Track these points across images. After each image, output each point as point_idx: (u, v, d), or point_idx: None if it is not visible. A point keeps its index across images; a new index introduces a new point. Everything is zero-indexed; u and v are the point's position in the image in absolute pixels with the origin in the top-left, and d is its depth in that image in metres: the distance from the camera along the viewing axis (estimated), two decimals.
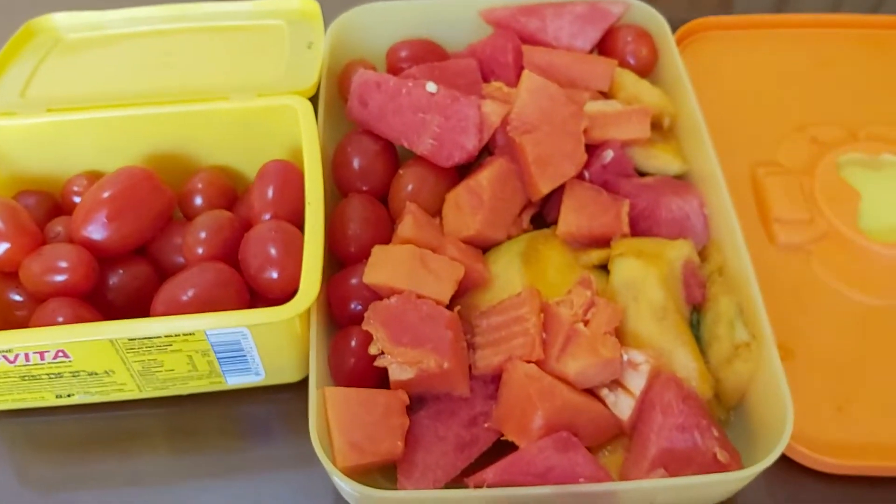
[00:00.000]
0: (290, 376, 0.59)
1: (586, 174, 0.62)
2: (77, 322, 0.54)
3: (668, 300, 0.55)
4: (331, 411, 0.51)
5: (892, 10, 0.87)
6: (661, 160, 0.64)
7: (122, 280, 0.59)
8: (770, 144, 0.73)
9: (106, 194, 0.59)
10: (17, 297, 0.58)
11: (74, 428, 0.59)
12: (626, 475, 0.51)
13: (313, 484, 0.56)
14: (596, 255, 0.59)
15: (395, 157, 0.65)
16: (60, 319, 0.54)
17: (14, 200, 0.62)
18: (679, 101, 0.67)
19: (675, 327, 0.55)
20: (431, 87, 0.61)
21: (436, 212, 0.61)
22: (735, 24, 0.82)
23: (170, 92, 0.66)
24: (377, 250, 0.56)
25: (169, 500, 0.56)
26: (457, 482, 0.51)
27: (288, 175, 0.61)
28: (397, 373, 0.52)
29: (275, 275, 0.56)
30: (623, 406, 0.52)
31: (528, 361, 0.51)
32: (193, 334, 0.53)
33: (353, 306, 0.57)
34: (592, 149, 0.62)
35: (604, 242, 0.60)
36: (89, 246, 0.58)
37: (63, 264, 0.57)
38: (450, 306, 0.55)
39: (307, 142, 0.61)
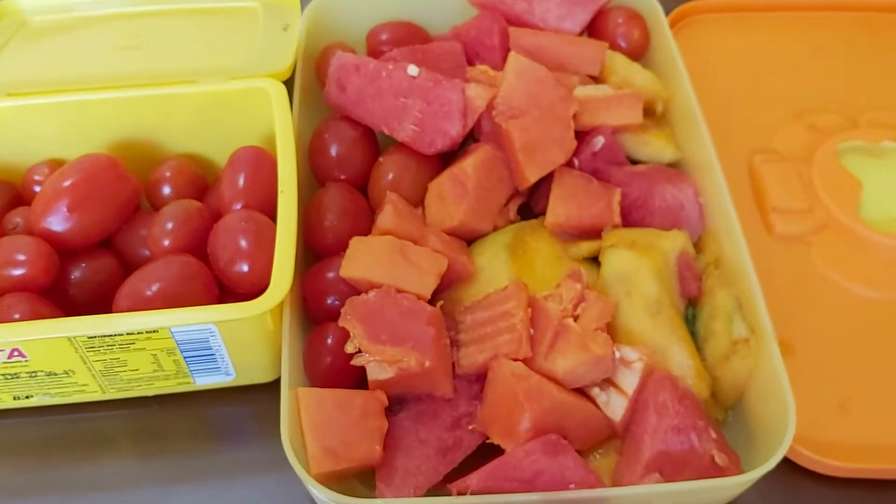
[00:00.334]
0: (263, 376, 0.57)
1: (576, 162, 0.60)
2: (35, 319, 0.52)
3: (662, 294, 0.54)
4: (304, 414, 0.49)
5: None
6: (653, 147, 0.63)
7: (85, 274, 0.57)
8: (767, 131, 0.71)
9: (67, 183, 0.57)
10: None
11: (34, 431, 0.57)
12: (619, 480, 0.49)
13: (288, 489, 0.54)
14: (586, 247, 0.57)
15: (374, 143, 0.63)
16: (17, 316, 0.52)
17: None
18: (672, 85, 0.65)
19: (670, 322, 0.53)
20: (413, 70, 0.59)
21: (418, 202, 0.60)
22: (730, 7, 0.80)
23: (138, 75, 0.64)
24: (355, 242, 0.54)
25: None
26: (439, 488, 0.50)
27: (260, 162, 0.59)
28: (376, 372, 0.50)
29: (245, 268, 0.54)
30: (615, 406, 0.50)
31: (515, 359, 0.49)
32: (157, 332, 0.51)
33: (329, 301, 0.55)
34: (582, 135, 0.60)
35: (594, 233, 0.58)
36: (49, 238, 0.56)
37: (21, 257, 0.54)
38: (432, 301, 0.53)
39: (280, 126, 0.59)
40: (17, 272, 0.54)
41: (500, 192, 0.59)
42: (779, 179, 0.66)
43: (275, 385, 0.53)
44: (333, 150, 0.61)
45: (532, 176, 0.57)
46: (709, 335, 0.54)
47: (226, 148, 0.61)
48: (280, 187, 0.55)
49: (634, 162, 0.63)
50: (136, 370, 0.54)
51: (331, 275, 0.55)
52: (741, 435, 0.52)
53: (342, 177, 0.61)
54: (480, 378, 0.51)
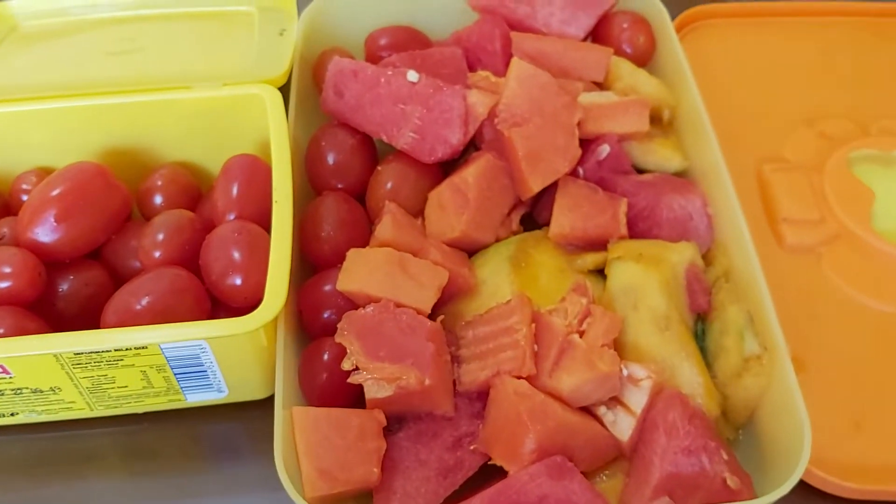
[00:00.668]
0: (256, 393, 0.56)
1: (580, 171, 0.60)
2: (20, 334, 0.51)
3: (670, 308, 0.52)
4: (299, 434, 0.48)
5: None
6: (660, 155, 0.62)
7: (73, 287, 0.56)
8: (776, 139, 0.70)
9: (55, 192, 0.56)
10: None
11: (20, 450, 0.56)
12: (627, 503, 0.47)
13: None
14: (591, 259, 0.56)
15: (372, 151, 0.62)
16: (1, 331, 0.51)
17: None
18: (679, 92, 0.65)
19: (679, 338, 0.52)
20: (412, 75, 0.59)
21: (417, 212, 0.59)
22: (738, 12, 0.80)
23: (130, 81, 0.63)
24: (353, 254, 0.53)
25: None
26: None
27: (254, 171, 0.58)
28: (374, 390, 0.49)
29: (238, 281, 0.53)
30: (623, 426, 0.49)
31: (518, 377, 0.48)
32: (147, 348, 0.50)
33: (325, 316, 0.54)
34: (587, 143, 0.59)
35: (600, 245, 0.57)
36: (36, 249, 0.55)
37: (6, 269, 0.53)
38: (432, 316, 0.52)
39: (275, 134, 0.58)
40: (3, 285, 0.53)
41: (502, 202, 0.58)
42: (789, 189, 0.66)
43: (269, 402, 0.52)
44: (330, 159, 0.61)
45: (535, 185, 0.56)
46: (719, 351, 0.53)
47: (219, 156, 0.60)
48: (275, 197, 0.54)
49: (640, 171, 0.62)
50: (125, 387, 0.53)
51: (327, 288, 0.54)
52: (753, 455, 0.51)
53: (339, 186, 0.60)
54: (482, 396, 0.50)
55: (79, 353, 0.49)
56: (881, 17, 0.79)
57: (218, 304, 0.54)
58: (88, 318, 0.55)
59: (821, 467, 0.52)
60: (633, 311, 0.52)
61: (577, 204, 0.57)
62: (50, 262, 0.55)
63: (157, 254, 0.55)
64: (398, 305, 0.51)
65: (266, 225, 0.55)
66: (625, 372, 0.49)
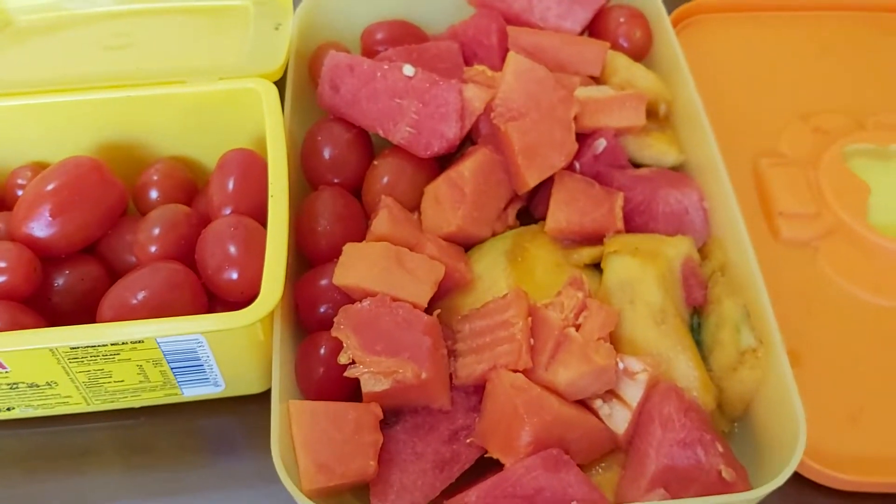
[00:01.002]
0: (253, 387, 0.56)
1: (577, 165, 0.60)
2: (15, 329, 0.51)
3: (666, 302, 0.53)
4: (296, 428, 0.48)
5: None
6: (657, 150, 0.62)
7: (69, 282, 0.56)
8: (772, 133, 0.70)
9: (50, 187, 0.56)
10: None
11: (16, 444, 0.56)
12: (623, 496, 0.48)
13: (279, 503, 0.52)
14: (588, 254, 0.56)
15: (369, 146, 0.62)
16: None
17: None
18: (676, 86, 0.65)
19: (675, 332, 0.52)
20: (409, 70, 0.59)
21: (414, 206, 0.59)
22: (734, 6, 0.80)
23: (125, 75, 0.63)
24: (349, 248, 0.54)
25: None
26: None
27: (250, 165, 0.58)
28: (370, 384, 0.49)
29: (234, 275, 0.53)
30: (619, 419, 0.49)
31: (515, 370, 0.48)
32: (143, 342, 0.50)
33: (322, 310, 0.54)
34: (583, 138, 0.59)
35: (596, 239, 0.57)
36: (31, 244, 0.55)
37: (1, 264, 0.53)
38: (429, 310, 0.52)
39: (271, 128, 0.58)
40: None
41: (498, 196, 0.58)
42: (785, 183, 0.66)
43: (265, 395, 0.53)
44: (326, 153, 0.61)
45: (532, 180, 0.57)
46: (715, 345, 0.53)
47: (215, 150, 0.60)
48: (271, 191, 0.54)
49: (637, 165, 0.62)
50: (122, 381, 0.53)
51: (323, 282, 0.54)
52: (748, 448, 0.51)
53: (335, 180, 0.60)
54: (479, 389, 0.50)
55: (75, 348, 0.49)
56: (877, 12, 0.79)
57: (214, 299, 0.54)
58: (84, 312, 0.55)
59: (816, 459, 0.52)
60: (630, 305, 0.52)
61: (573, 198, 0.57)
62: (45, 257, 0.55)
63: (152, 248, 0.55)
64: (395, 300, 0.51)
65: (262, 219, 0.55)
66: (621, 365, 0.49)
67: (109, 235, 0.58)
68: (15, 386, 0.52)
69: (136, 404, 0.56)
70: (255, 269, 0.51)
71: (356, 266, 0.52)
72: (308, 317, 0.55)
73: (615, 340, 0.51)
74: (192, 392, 0.55)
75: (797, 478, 0.53)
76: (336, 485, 0.47)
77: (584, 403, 0.49)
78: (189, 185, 0.62)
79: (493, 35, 0.64)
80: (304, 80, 0.67)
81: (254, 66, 0.62)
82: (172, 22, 0.69)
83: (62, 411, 0.55)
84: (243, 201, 0.56)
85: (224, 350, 0.51)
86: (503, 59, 0.60)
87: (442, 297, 0.55)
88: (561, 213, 0.56)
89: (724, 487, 0.47)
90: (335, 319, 0.50)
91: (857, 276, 0.61)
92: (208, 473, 0.56)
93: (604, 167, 0.60)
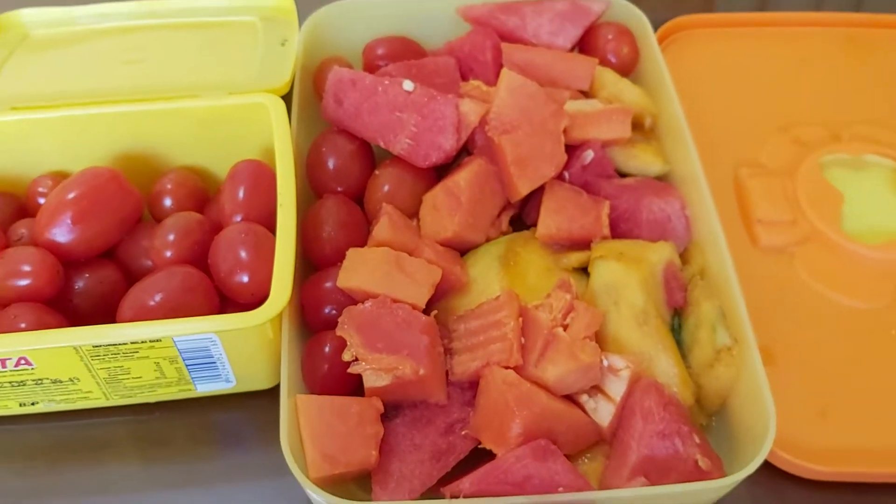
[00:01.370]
0: (262, 383, 0.58)
1: (566, 175, 0.61)
2: (40, 328, 0.53)
3: (648, 304, 0.55)
4: (303, 420, 0.50)
5: (874, 8, 0.86)
6: (642, 161, 0.64)
7: (88, 284, 0.58)
8: (753, 145, 0.72)
9: (71, 195, 0.58)
10: None
11: (39, 437, 0.58)
12: (606, 483, 0.50)
13: (286, 493, 0.55)
14: (576, 258, 0.58)
15: (370, 157, 0.64)
16: (23, 325, 0.53)
17: None
18: (661, 100, 0.66)
19: (656, 332, 0.54)
20: (408, 85, 0.60)
21: (413, 213, 0.60)
22: (717, 23, 0.81)
23: (139, 89, 0.65)
24: (352, 253, 0.55)
25: None
26: (433, 492, 0.50)
27: (259, 175, 0.60)
28: (372, 380, 0.51)
29: (245, 279, 0.54)
30: (603, 412, 0.51)
31: (507, 367, 0.50)
32: (161, 341, 0.52)
33: (327, 311, 0.56)
34: (572, 149, 0.61)
35: (584, 245, 0.59)
36: (54, 249, 0.57)
37: (26, 268, 0.55)
38: (426, 310, 0.54)
39: (279, 141, 0.59)
40: (23, 283, 0.55)
41: (492, 204, 0.60)
42: (764, 192, 0.67)
43: (274, 391, 0.54)
44: (331, 163, 0.62)
45: (524, 189, 0.58)
46: (693, 344, 0.55)
47: (226, 161, 0.62)
48: (279, 200, 0.56)
49: (623, 175, 0.63)
50: (140, 377, 0.55)
51: (328, 285, 0.55)
52: (725, 440, 0.53)
53: (339, 189, 0.62)
54: (473, 385, 0.52)
55: (97, 346, 0.51)
56: (854, 27, 0.81)
57: (226, 301, 0.56)
58: (103, 313, 0.57)
59: (788, 450, 0.54)
60: (614, 307, 0.54)
61: (562, 206, 0.59)
62: (67, 261, 0.57)
63: (168, 253, 0.57)
64: (395, 301, 0.52)
65: (270, 226, 0.57)
66: (605, 363, 0.51)
67: (126, 241, 0.60)
68: (40, 382, 0.54)
69: (153, 399, 0.57)
70: (265, 272, 0.53)
71: (359, 270, 0.54)
72: (314, 317, 0.56)
73: (600, 340, 0.53)
74: (206, 388, 0.57)
75: (770, 468, 0.55)
76: (340, 473, 0.49)
77: (571, 398, 0.51)
78: (201, 194, 0.64)
79: (488, 51, 0.66)
80: (310, 93, 0.68)
81: (262, 82, 0.64)
82: (183, 37, 0.71)
83: (83, 406, 0.57)
84: (253, 209, 0.58)
85: (236, 348, 0.53)
86: (497, 74, 0.61)
87: (439, 299, 0.56)
88: (551, 220, 0.58)
89: (700, 475, 0.49)
90: (339, 319, 0.52)
91: (831, 281, 0.63)
92: (220, 465, 0.57)
93: (591, 177, 0.61)
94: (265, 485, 0.56)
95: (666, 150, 0.65)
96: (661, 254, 0.57)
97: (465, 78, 0.67)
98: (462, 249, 0.59)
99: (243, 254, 0.55)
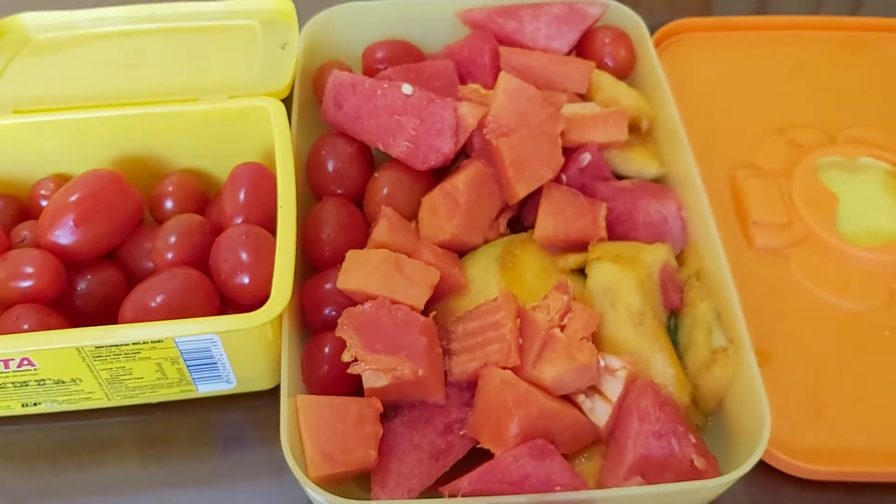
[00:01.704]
0: (263, 384, 0.58)
1: (563, 177, 0.62)
2: (43, 329, 0.54)
3: (645, 305, 0.55)
4: (303, 420, 0.50)
5: (870, 12, 0.87)
6: (638, 163, 0.64)
7: (91, 286, 0.58)
8: (749, 147, 0.72)
9: (73, 198, 0.58)
10: None
11: (41, 437, 0.59)
12: (603, 483, 0.51)
13: (287, 492, 0.55)
14: (573, 260, 0.59)
15: (370, 159, 0.64)
16: (26, 327, 0.54)
17: None
18: (657, 103, 0.67)
19: (653, 333, 0.54)
20: (407, 88, 0.61)
21: (412, 215, 0.61)
22: (714, 26, 0.82)
23: (140, 93, 0.65)
24: (351, 255, 0.56)
25: None
26: (432, 491, 0.51)
27: (260, 178, 0.60)
28: (371, 380, 0.51)
29: (246, 280, 0.55)
30: (600, 412, 0.51)
31: (504, 368, 0.51)
32: (162, 342, 0.52)
33: (326, 312, 0.56)
34: (570, 152, 0.62)
35: (581, 246, 0.59)
36: (56, 251, 0.57)
37: (29, 270, 0.56)
38: (425, 312, 0.54)
39: (279, 144, 0.60)
40: (26, 284, 0.55)
41: (490, 206, 0.60)
42: (760, 194, 0.68)
43: (274, 392, 0.55)
44: (330, 166, 0.62)
45: (521, 191, 0.59)
46: (690, 345, 0.55)
47: (227, 163, 0.63)
48: (280, 203, 0.56)
49: (620, 177, 0.64)
50: (141, 378, 0.55)
51: (328, 286, 0.56)
52: (720, 440, 0.54)
53: (339, 191, 0.62)
54: (471, 385, 0.52)
55: (100, 347, 0.51)
56: (851, 31, 0.81)
57: (226, 302, 0.57)
58: (104, 314, 0.57)
59: (783, 450, 0.55)
60: (611, 308, 0.55)
61: (560, 208, 0.59)
62: (69, 263, 0.57)
63: (169, 255, 0.57)
64: (394, 302, 0.53)
65: (270, 228, 0.57)
66: (602, 363, 0.51)
67: (128, 243, 0.60)
68: (43, 382, 0.54)
69: (154, 400, 0.58)
70: (266, 274, 0.53)
71: (358, 271, 0.54)
72: (314, 318, 0.57)
73: (597, 340, 0.53)
74: (206, 388, 0.57)
75: (766, 467, 0.55)
76: (340, 472, 0.49)
77: (568, 398, 0.52)
78: (202, 196, 0.64)
79: (486, 55, 0.66)
80: (310, 96, 0.69)
81: (263, 85, 0.65)
82: (183, 41, 0.72)
83: (85, 406, 0.57)
84: (253, 211, 0.58)
85: (236, 349, 0.54)
86: (496, 77, 0.61)
87: (438, 300, 0.56)
88: (548, 222, 0.58)
89: (696, 475, 0.49)
90: (339, 321, 0.52)
91: (826, 282, 0.64)
92: (220, 465, 0.57)
93: (588, 179, 0.62)
94: (265, 484, 0.56)
95: (662, 153, 0.66)
96: (657, 255, 0.57)
97: (463, 81, 0.67)
98: (460, 251, 0.60)
99: (244, 255, 0.55)
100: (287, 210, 0.56)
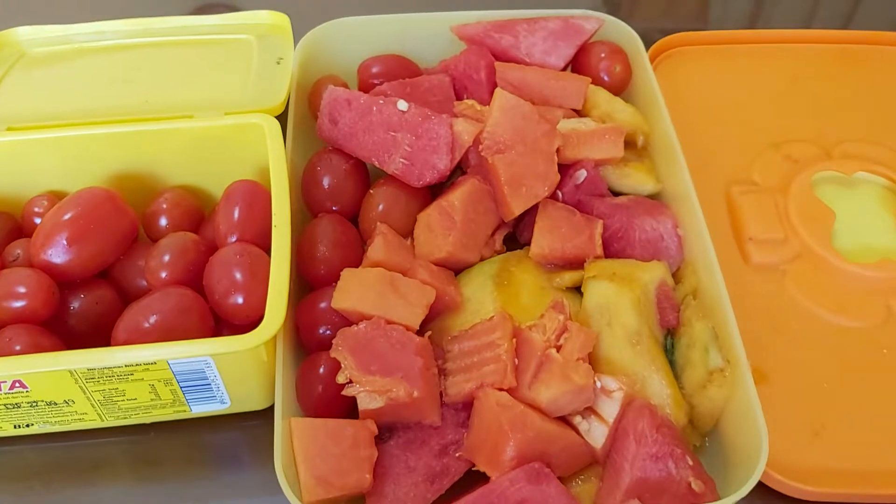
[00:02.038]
0: (257, 404, 0.58)
1: (559, 194, 0.62)
2: (35, 351, 0.53)
3: (641, 325, 0.55)
4: (297, 443, 0.50)
5: (865, 25, 0.87)
6: (634, 179, 0.64)
7: (84, 305, 0.58)
8: (745, 162, 0.72)
9: (67, 216, 0.58)
10: None
11: (34, 458, 0.58)
12: None
13: None
14: (569, 277, 0.59)
15: (365, 176, 0.64)
16: (18, 348, 0.53)
17: None
18: (653, 119, 0.67)
19: (649, 353, 0.54)
20: (402, 105, 0.61)
21: (407, 232, 0.61)
22: (709, 40, 0.82)
23: (134, 108, 0.65)
24: (346, 274, 0.56)
25: None
26: None
27: (255, 196, 0.60)
28: (366, 402, 0.51)
29: (240, 300, 0.55)
30: (596, 434, 0.51)
31: (500, 389, 0.50)
32: (155, 364, 0.52)
33: (321, 331, 0.56)
34: (565, 168, 0.61)
35: (577, 264, 0.59)
36: (49, 270, 0.57)
37: (21, 289, 0.55)
38: (421, 331, 0.54)
39: (274, 162, 0.60)
40: (18, 304, 0.55)
41: (486, 223, 0.60)
42: (756, 210, 0.68)
43: (268, 412, 0.55)
44: (325, 182, 0.62)
45: (517, 208, 0.58)
46: (686, 364, 0.55)
47: (221, 180, 0.62)
48: (274, 221, 0.56)
49: (616, 194, 0.64)
50: (135, 399, 0.55)
51: (323, 306, 0.56)
52: (717, 461, 0.54)
53: (334, 208, 0.62)
54: (467, 406, 0.52)
55: (92, 369, 0.51)
56: (846, 44, 0.81)
57: (220, 322, 0.56)
58: (98, 334, 0.57)
59: (780, 471, 0.54)
60: (607, 327, 0.54)
61: (555, 225, 0.59)
62: (62, 282, 0.57)
63: (163, 274, 0.57)
64: (389, 322, 0.53)
65: (265, 246, 0.57)
66: (598, 384, 0.51)
67: (122, 261, 0.60)
68: (35, 404, 0.54)
69: (148, 420, 0.57)
70: (260, 294, 0.53)
71: (353, 290, 0.54)
72: (308, 338, 0.56)
73: (593, 360, 0.53)
74: (200, 409, 0.57)
75: (764, 489, 0.55)
76: (334, 497, 0.49)
77: (564, 420, 0.51)
78: (196, 214, 0.64)
79: (482, 70, 0.66)
80: (305, 111, 0.69)
81: (258, 102, 0.64)
82: (179, 55, 0.71)
83: (77, 427, 0.57)
84: (248, 230, 0.58)
85: (230, 370, 0.53)
86: (491, 93, 0.61)
87: (433, 319, 0.56)
88: (544, 239, 0.58)
89: (693, 498, 0.49)
90: (333, 341, 0.52)
91: (822, 299, 0.63)
92: (214, 485, 0.57)
93: (584, 196, 0.62)
94: None
95: (658, 169, 0.66)
96: (653, 273, 0.57)
97: (459, 96, 0.67)
98: (456, 269, 0.60)
99: (238, 275, 0.55)
100: (282, 229, 0.56)
